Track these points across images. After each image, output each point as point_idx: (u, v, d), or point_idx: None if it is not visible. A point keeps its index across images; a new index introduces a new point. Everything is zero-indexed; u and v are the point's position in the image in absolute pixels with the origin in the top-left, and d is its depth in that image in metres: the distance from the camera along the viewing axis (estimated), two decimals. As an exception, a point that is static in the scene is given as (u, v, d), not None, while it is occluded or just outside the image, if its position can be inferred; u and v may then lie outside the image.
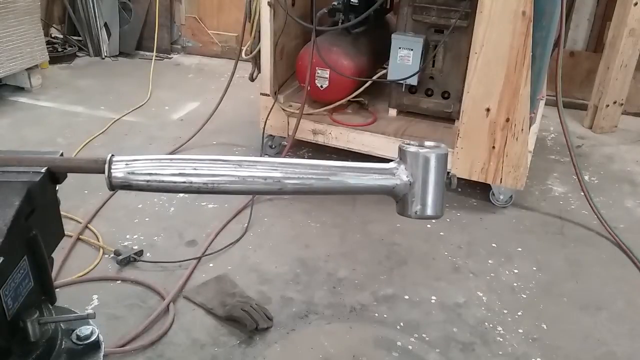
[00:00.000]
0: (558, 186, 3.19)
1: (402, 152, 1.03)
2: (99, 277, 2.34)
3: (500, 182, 2.85)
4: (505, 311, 2.25)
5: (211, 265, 2.46)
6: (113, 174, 0.95)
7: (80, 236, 2.56)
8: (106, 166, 0.95)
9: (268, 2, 2.96)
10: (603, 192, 3.14)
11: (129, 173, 0.95)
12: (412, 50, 2.97)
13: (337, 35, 3.23)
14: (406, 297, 2.31)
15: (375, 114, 3.27)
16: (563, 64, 2.72)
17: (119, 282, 2.33)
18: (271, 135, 3.34)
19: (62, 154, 0.99)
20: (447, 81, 3.09)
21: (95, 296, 2.23)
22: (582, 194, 2.86)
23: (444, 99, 3.14)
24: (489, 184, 2.92)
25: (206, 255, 2.49)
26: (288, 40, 3.30)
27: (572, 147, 2.87)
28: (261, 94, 3.24)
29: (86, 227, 2.63)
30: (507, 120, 2.70)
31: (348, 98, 3.20)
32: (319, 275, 2.42)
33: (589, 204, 2.83)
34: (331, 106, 3.21)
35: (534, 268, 2.51)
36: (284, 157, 3.14)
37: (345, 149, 3.14)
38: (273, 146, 3.40)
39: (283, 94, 3.33)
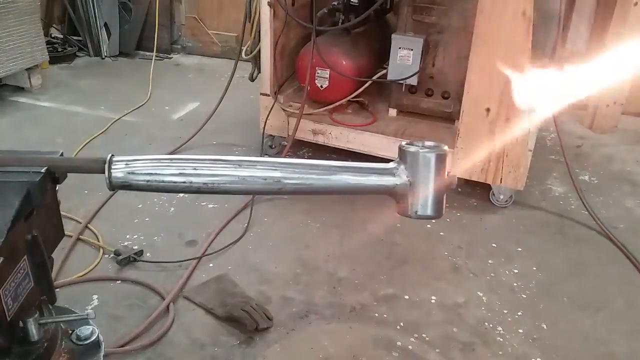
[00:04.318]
0: (558, 186, 3.19)
1: (402, 152, 1.02)
2: (99, 277, 2.34)
3: (500, 182, 2.85)
4: (505, 311, 2.25)
5: (211, 265, 2.46)
6: (113, 174, 0.95)
7: (80, 236, 2.56)
8: (106, 166, 0.94)
9: (268, 2, 2.96)
10: (603, 192, 3.14)
11: (129, 173, 0.95)
12: (412, 50, 2.97)
13: (337, 35, 3.23)
14: (406, 297, 2.31)
15: (375, 114, 3.27)
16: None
17: (119, 282, 2.33)
18: (271, 135, 3.34)
19: (62, 154, 0.99)
20: (447, 81, 3.09)
21: (95, 296, 2.23)
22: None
23: (444, 99, 3.14)
24: (489, 184, 2.92)
25: (206, 255, 2.50)
26: (288, 40, 3.30)
27: (565, 148, 2.90)
28: (261, 94, 3.24)
29: (86, 227, 2.63)
30: (507, 120, 2.69)
31: (348, 98, 3.20)
32: (319, 275, 2.42)
33: (583, 203, 2.83)
34: (331, 106, 3.21)
35: (534, 268, 2.51)
36: (284, 157, 3.14)
37: (345, 149, 3.14)
38: (273, 146, 3.40)
39: (283, 94, 3.33)
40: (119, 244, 2.51)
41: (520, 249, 2.64)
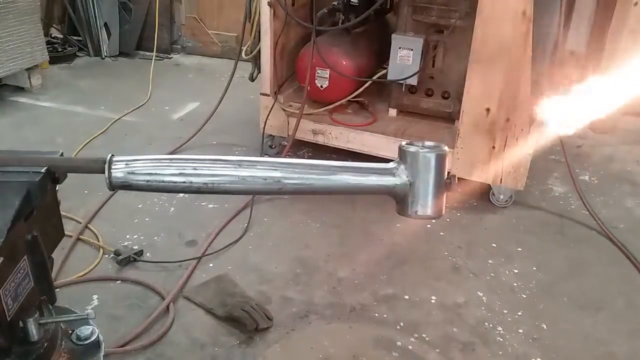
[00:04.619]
0: (558, 186, 3.19)
1: (402, 152, 1.02)
2: (99, 277, 2.34)
3: (500, 182, 2.85)
4: (505, 311, 2.25)
5: (211, 265, 2.46)
6: (113, 174, 0.95)
7: (80, 236, 2.56)
8: (106, 166, 0.94)
9: (268, 2, 2.96)
10: (603, 192, 3.14)
11: (129, 173, 0.95)
12: (412, 50, 2.97)
13: (337, 35, 3.23)
14: (406, 297, 2.31)
15: (375, 114, 3.27)
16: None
17: (119, 282, 2.33)
18: (271, 135, 3.34)
19: (62, 154, 0.99)
20: (447, 81, 3.09)
21: (95, 296, 2.23)
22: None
23: (444, 99, 3.14)
24: (489, 184, 2.92)
25: (206, 255, 2.49)
26: (288, 40, 3.30)
27: (565, 148, 2.91)
28: (261, 94, 3.24)
29: (86, 227, 2.63)
30: (507, 120, 2.70)
31: (348, 98, 3.20)
32: (319, 275, 2.42)
33: (583, 203, 2.83)
34: (331, 106, 3.21)
35: (534, 268, 2.51)
36: (284, 157, 3.14)
37: (345, 149, 3.14)
38: (273, 146, 3.40)
39: (283, 94, 3.33)
40: (119, 244, 2.51)
41: (520, 249, 2.64)
